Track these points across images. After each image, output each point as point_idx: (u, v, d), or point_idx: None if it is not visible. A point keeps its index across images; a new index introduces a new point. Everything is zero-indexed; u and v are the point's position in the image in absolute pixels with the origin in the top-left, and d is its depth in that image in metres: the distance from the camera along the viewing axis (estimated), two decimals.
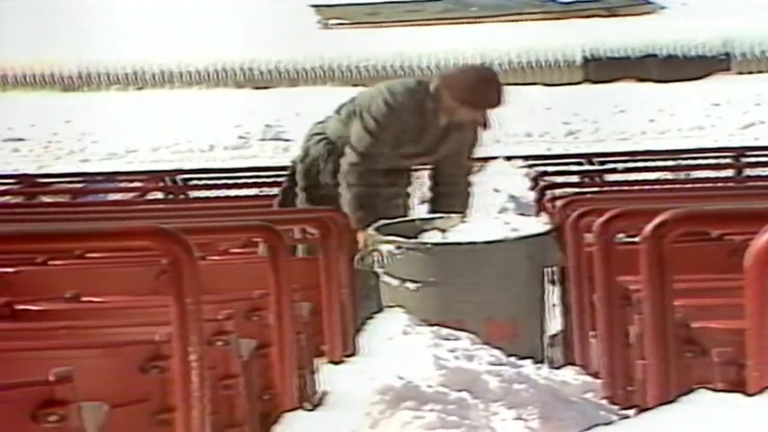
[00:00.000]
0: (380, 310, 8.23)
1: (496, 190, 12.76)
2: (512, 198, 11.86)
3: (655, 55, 32.88)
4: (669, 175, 13.79)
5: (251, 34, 32.63)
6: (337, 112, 9.32)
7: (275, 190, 10.31)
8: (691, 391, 2.22)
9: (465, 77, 9.11)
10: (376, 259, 8.24)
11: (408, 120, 8.97)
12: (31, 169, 19.93)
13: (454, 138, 9.10)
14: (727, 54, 33.27)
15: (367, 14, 35.78)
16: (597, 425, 2.88)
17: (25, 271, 6.46)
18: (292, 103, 28.63)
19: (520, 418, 5.62)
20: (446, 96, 8.92)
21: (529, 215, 9.37)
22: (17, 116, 29.43)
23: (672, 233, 4.28)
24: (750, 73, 32.53)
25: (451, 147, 9.14)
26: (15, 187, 15.14)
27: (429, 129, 9.06)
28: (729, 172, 13.60)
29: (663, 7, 37.40)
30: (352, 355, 7.31)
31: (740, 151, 15.39)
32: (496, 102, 8.93)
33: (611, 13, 36.90)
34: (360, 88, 10.74)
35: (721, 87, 31.03)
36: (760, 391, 2.17)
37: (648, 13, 37.18)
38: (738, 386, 2.27)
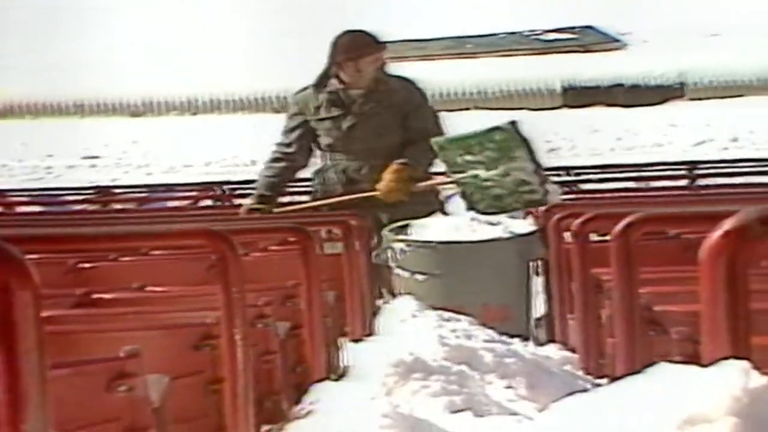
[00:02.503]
0: (392, 297, 8.24)
1: None
2: None
3: (621, 85, 32.83)
4: (634, 185, 13.77)
5: (285, 68, 32.65)
6: None
7: (305, 198, 10.31)
8: (653, 363, 2.22)
9: (341, 41, 9.00)
10: (390, 255, 8.24)
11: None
12: (105, 181, 19.91)
13: (377, 99, 8.98)
14: (681, 83, 33.20)
15: (391, 48, 35.63)
16: (574, 392, 2.87)
17: (100, 266, 6.47)
18: None
19: (510, 387, 5.61)
20: (337, 64, 8.89)
21: (518, 218, 9.35)
22: (94, 138, 29.51)
23: (637, 232, 4.27)
24: (700, 99, 32.47)
25: (379, 114, 9.02)
26: (93, 196, 15.20)
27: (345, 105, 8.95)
28: (684, 182, 13.60)
29: (627, 45, 37.31)
30: (371, 334, 7.30)
31: (693, 165, 15.36)
32: (375, 44, 8.95)
33: (585, 49, 36.79)
34: None
35: (677, 111, 31.00)
36: (712, 363, 2.17)
37: (616, 49, 37.08)
38: (693, 359, 2.27)
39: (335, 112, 8.93)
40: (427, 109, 9.24)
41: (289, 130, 9.14)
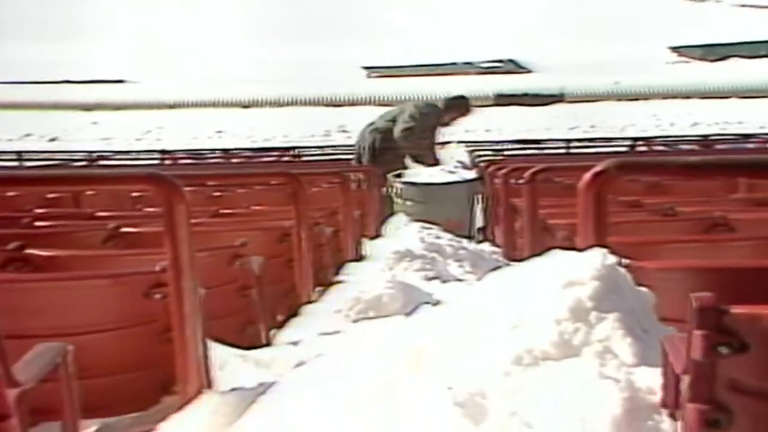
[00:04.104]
0: (392, 215, 8.23)
1: (451, 158, 12.70)
2: (460, 162, 11.76)
3: (527, 93, 32.66)
4: (535, 151, 13.82)
5: (335, 81, 32.55)
6: (381, 117, 9.32)
7: (344, 156, 10.27)
8: (547, 250, 2.20)
9: (457, 101, 9.49)
10: (392, 190, 8.23)
11: (427, 121, 9.05)
12: (227, 146, 19.83)
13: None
14: (562, 93, 32.99)
15: (392, 70, 35.42)
16: (498, 267, 2.86)
17: (226, 194, 6.46)
18: (351, 114, 28.51)
19: (461, 266, 5.60)
20: (449, 107, 9.24)
21: (468, 170, 9.32)
22: (221, 121, 29.52)
23: (538, 177, 4.24)
24: (573, 102, 32.30)
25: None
26: (221, 154, 15.24)
27: (432, 125, 9.14)
28: (563, 150, 13.67)
29: (532, 71, 37.03)
30: (379, 236, 7.30)
31: (568, 141, 15.50)
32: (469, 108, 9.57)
33: (508, 72, 36.55)
34: (385, 108, 10.68)
35: (559, 109, 30.88)
36: (583, 249, 2.14)
37: (525, 72, 36.81)
38: (570, 248, 2.25)
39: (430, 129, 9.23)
40: None
41: (413, 119, 9.12)
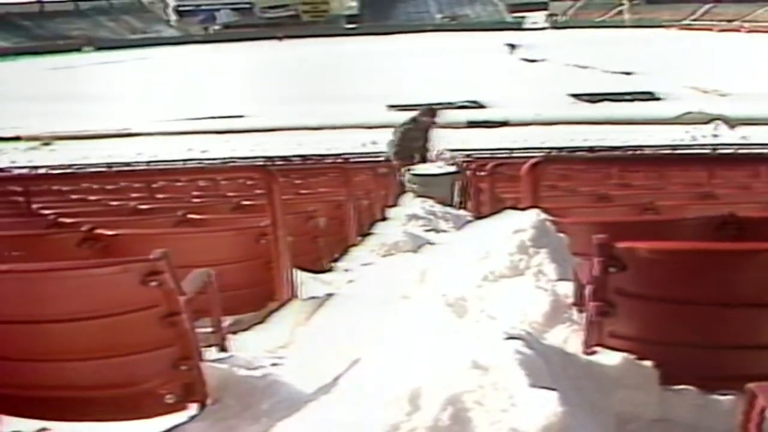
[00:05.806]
0: (404, 193, 8.16)
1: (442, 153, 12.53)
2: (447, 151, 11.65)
3: (488, 120, 31.69)
4: (489, 155, 13.64)
5: (369, 113, 32.25)
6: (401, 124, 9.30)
7: (375, 159, 10.17)
8: (501, 210, 2.14)
9: (430, 109, 9.42)
10: (405, 178, 8.16)
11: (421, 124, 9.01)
12: (304, 153, 19.58)
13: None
14: (506, 120, 32.11)
15: (404, 106, 35.02)
16: (470, 221, 2.80)
17: (303, 182, 6.39)
18: (379, 134, 28.19)
19: (447, 223, 5.53)
20: (428, 112, 9.06)
21: (451, 166, 9.23)
22: (299, 138, 29.06)
23: (495, 170, 4.16)
24: (514, 126, 31.58)
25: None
26: (300, 159, 15.10)
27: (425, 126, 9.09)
28: (506, 155, 13.49)
29: (487, 106, 36.32)
30: (396, 206, 7.21)
31: (511, 150, 15.29)
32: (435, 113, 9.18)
33: (473, 107, 35.82)
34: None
35: (505, 131, 29.83)
36: (524, 210, 2.08)
37: (484, 107, 36.09)
38: (517, 209, 2.19)
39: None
40: None
41: (413, 121, 9.16)
